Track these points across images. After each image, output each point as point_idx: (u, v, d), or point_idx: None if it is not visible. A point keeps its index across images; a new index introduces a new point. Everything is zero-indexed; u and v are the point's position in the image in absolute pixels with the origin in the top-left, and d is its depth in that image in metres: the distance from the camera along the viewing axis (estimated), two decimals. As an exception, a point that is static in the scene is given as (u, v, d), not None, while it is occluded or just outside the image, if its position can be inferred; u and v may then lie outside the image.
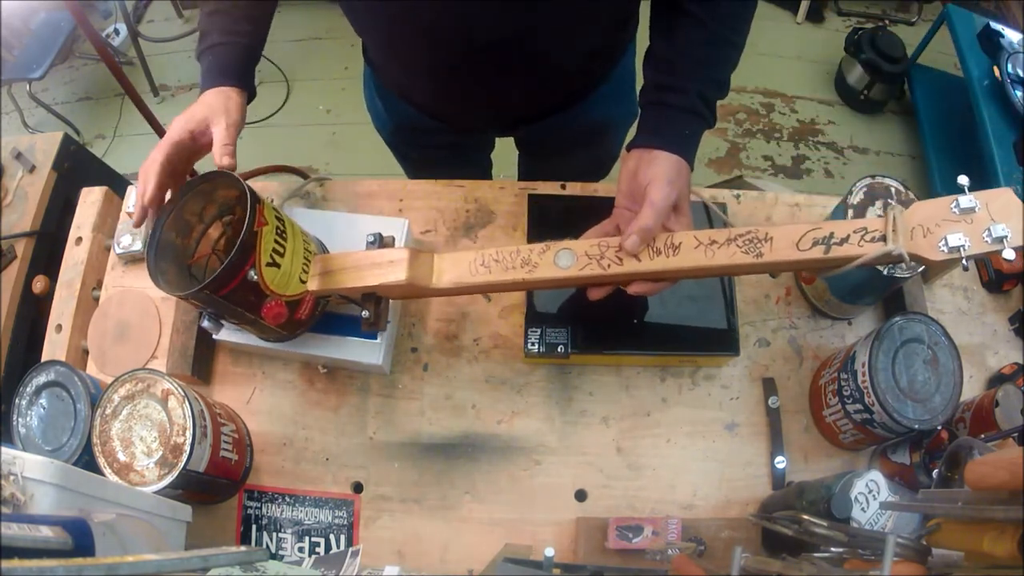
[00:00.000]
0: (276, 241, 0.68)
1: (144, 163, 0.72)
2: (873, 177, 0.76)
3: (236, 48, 0.78)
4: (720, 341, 0.80)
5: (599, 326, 0.80)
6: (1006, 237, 0.56)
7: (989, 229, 0.57)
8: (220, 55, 0.77)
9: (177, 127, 0.73)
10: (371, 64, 0.96)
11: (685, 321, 0.81)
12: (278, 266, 0.68)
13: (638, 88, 0.75)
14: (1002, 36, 1.83)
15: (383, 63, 0.90)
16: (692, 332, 0.80)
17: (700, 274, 0.66)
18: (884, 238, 0.60)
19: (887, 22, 2.50)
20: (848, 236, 0.61)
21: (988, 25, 1.86)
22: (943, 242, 0.58)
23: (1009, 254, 0.56)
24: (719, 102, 0.73)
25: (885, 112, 2.36)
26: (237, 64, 0.77)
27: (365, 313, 0.71)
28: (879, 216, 0.64)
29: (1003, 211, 0.57)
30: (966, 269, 0.58)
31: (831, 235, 0.61)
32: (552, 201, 0.90)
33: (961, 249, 0.57)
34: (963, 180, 0.59)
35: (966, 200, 0.58)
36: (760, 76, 2.38)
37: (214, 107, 0.74)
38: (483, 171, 1.26)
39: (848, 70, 2.28)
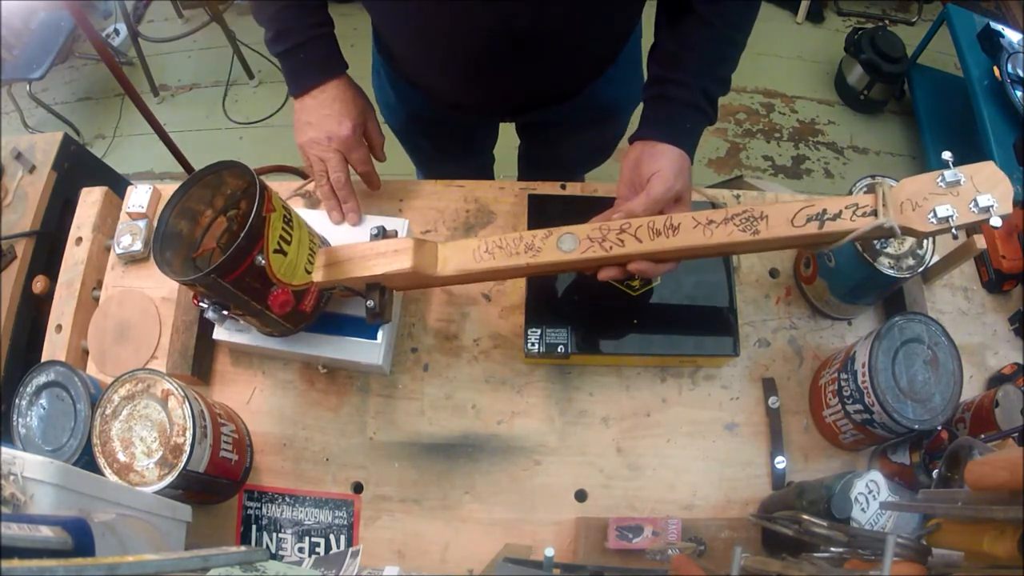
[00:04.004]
0: (283, 229, 0.68)
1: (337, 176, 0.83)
2: (873, 177, 0.76)
3: (329, 38, 0.82)
4: (720, 341, 0.80)
5: (599, 326, 0.80)
6: (992, 206, 0.58)
7: (975, 200, 0.58)
8: (318, 48, 0.81)
9: (353, 135, 0.83)
10: (387, 56, 0.95)
11: (685, 322, 0.81)
12: (285, 254, 0.69)
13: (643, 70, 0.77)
14: (1002, 36, 1.83)
15: (407, 57, 0.90)
16: (692, 332, 0.80)
17: (700, 253, 0.67)
18: (875, 212, 0.61)
19: (887, 22, 2.50)
20: (840, 212, 0.62)
21: (988, 25, 1.86)
22: (932, 214, 0.59)
23: (996, 222, 0.58)
24: (720, 101, 0.74)
25: (885, 112, 2.35)
26: (336, 51, 0.83)
27: (370, 303, 0.71)
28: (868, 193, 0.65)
29: (988, 182, 0.59)
30: (955, 238, 0.60)
31: (824, 211, 0.62)
32: (552, 201, 0.90)
33: (949, 219, 0.58)
34: (947, 155, 0.61)
35: (951, 174, 0.59)
36: (760, 76, 2.38)
37: (360, 103, 0.85)
38: (488, 159, 1.29)
39: (848, 70, 2.28)
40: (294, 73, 0.82)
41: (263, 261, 0.66)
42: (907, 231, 0.61)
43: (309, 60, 0.81)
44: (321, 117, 0.82)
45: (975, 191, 0.58)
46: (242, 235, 0.63)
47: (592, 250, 0.66)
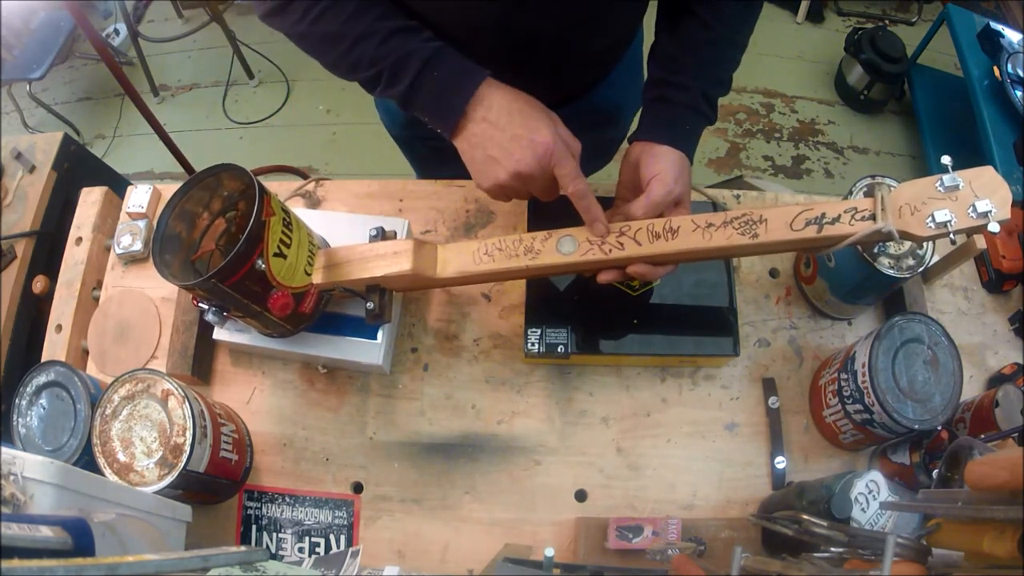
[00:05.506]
0: (283, 232, 0.68)
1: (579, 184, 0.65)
2: (873, 177, 0.76)
3: (447, 48, 0.67)
4: (720, 341, 0.79)
5: (599, 326, 0.80)
6: (990, 212, 0.58)
7: (974, 205, 0.58)
8: (450, 56, 0.66)
9: (554, 140, 0.64)
10: None
11: (685, 321, 0.81)
12: (284, 257, 0.69)
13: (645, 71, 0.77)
14: (1002, 36, 1.83)
15: None
16: (692, 332, 0.80)
17: (699, 256, 0.68)
18: (874, 217, 0.61)
19: (887, 22, 2.50)
20: (839, 216, 0.62)
21: (988, 25, 1.86)
22: (930, 219, 0.59)
23: (994, 227, 0.58)
24: (720, 101, 0.74)
25: (885, 112, 2.36)
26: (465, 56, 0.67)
27: (370, 305, 0.71)
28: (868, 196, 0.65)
29: (986, 187, 0.59)
30: (954, 243, 0.60)
31: (823, 215, 0.63)
32: (552, 201, 0.90)
33: (948, 224, 0.59)
34: (946, 160, 0.61)
35: (950, 178, 0.59)
36: (760, 76, 2.38)
37: (538, 105, 0.66)
38: None
39: (848, 70, 2.28)
40: (439, 99, 0.66)
41: (263, 265, 0.66)
42: (905, 236, 0.61)
43: (449, 73, 0.65)
44: (507, 140, 0.64)
45: (974, 196, 0.59)
46: (242, 240, 0.63)
47: (591, 253, 0.67)
